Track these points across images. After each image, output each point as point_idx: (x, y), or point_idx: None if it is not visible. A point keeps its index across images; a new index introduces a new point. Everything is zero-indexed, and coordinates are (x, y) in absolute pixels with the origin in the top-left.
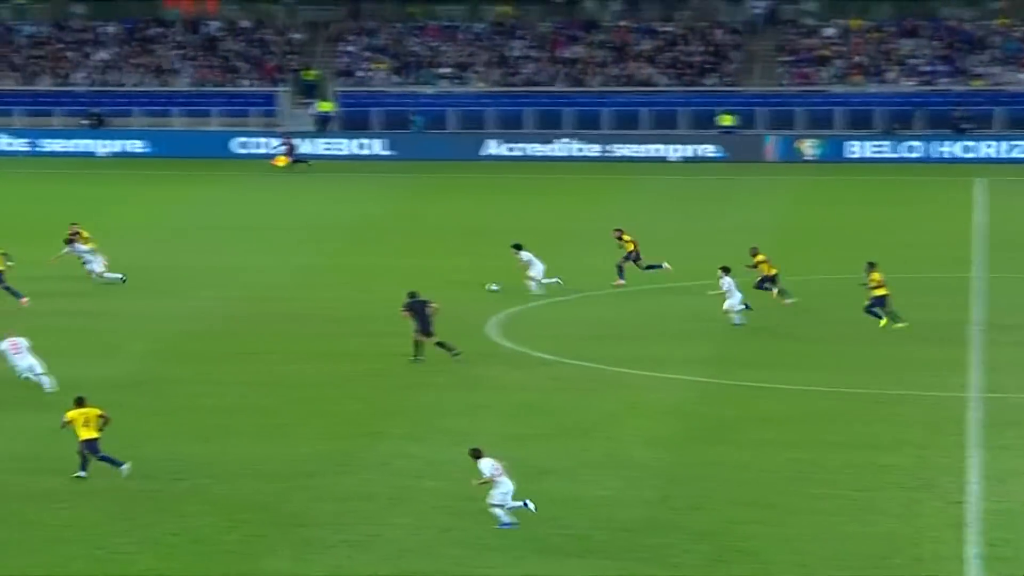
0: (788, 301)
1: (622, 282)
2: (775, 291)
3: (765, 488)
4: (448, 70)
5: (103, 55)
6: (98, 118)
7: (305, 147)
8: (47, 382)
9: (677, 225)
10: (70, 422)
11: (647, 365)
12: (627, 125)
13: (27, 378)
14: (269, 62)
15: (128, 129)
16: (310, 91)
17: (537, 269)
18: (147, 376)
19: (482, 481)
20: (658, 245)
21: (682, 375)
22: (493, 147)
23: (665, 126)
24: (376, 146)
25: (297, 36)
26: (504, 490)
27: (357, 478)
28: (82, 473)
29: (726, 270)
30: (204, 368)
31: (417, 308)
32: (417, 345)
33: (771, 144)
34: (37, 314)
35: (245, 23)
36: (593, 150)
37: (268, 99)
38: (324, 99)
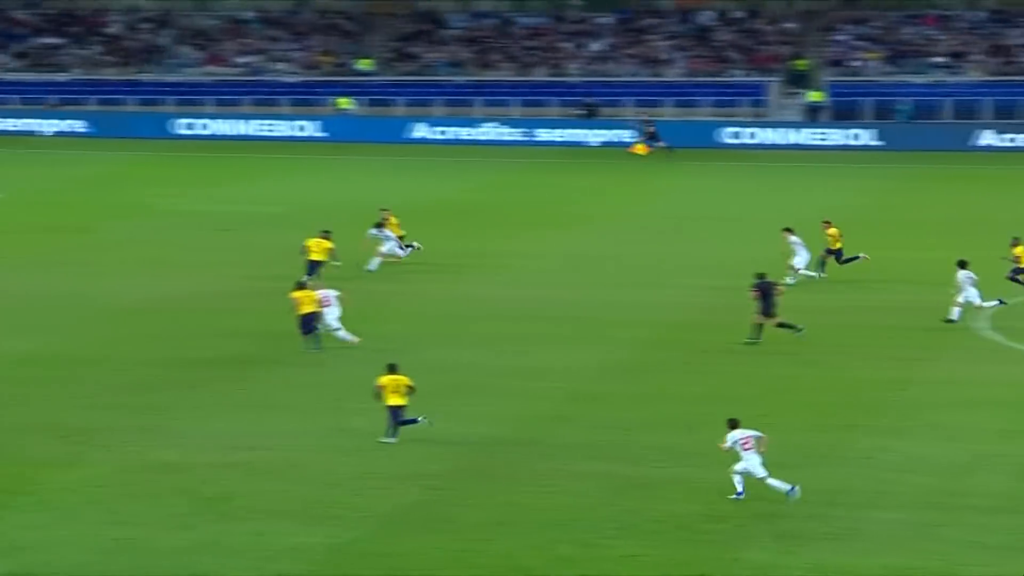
0: None
1: (822, 276)
2: None
3: None
4: (942, 59)
5: (597, 46)
6: (590, 108)
7: (794, 137)
8: (344, 336)
9: None
10: (383, 388)
11: None
12: None
13: (334, 331)
14: (760, 52)
15: (619, 119)
16: (800, 81)
17: (802, 258)
18: (634, 363)
19: (726, 447)
20: None
21: None
22: (988, 137)
23: None
24: (865, 136)
25: (790, 26)
26: (748, 464)
27: (838, 471)
28: (391, 439)
29: (962, 264)
30: (689, 357)
31: (765, 290)
32: (758, 327)
33: None
34: (533, 301)
35: (738, 13)
36: None
37: (757, 89)
38: (814, 89)
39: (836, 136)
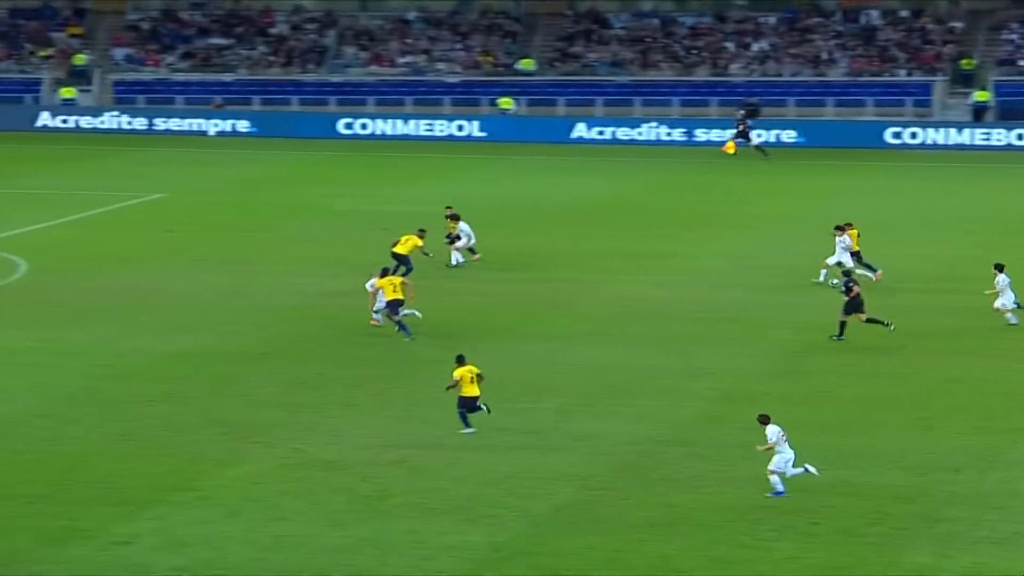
0: None
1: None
2: None
3: None
4: None
5: (761, 45)
6: (751, 108)
7: (958, 137)
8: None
9: None
10: (459, 380)
11: None
12: None
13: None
14: (927, 52)
15: (781, 119)
16: (967, 81)
17: (836, 259)
18: (791, 364)
19: (766, 447)
20: None
21: None
22: None
23: None
24: None
25: (957, 25)
26: (786, 458)
27: (1001, 474)
28: (470, 430)
29: (1000, 267)
30: (846, 359)
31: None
32: (872, 320)
33: None
34: (691, 301)
35: (903, 12)
36: None
37: (923, 89)
38: (980, 89)
39: (1001, 136)
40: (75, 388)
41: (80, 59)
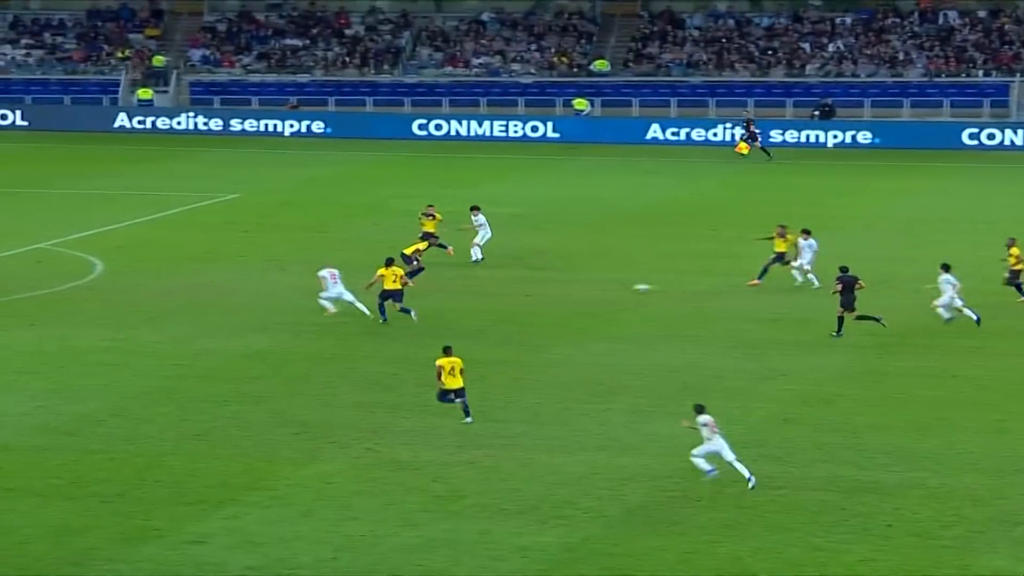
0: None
1: (757, 282)
2: None
3: None
4: None
5: (837, 46)
6: (829, 109)
7: None
8: (357, 306)
9: None
10: (441, 368)
11: None
12: None
13: (339, 300)
14: (1004, 52)
15: (857, 120)
16: None
17: (806, 259)
18: (866, 366)
19: (689, 425)
20: None
21: None
22: None
23: None
24: None
25: None
26: (711, 448)
27: None
28: (462, 405)
29: (945, 267)
30: (921, 361)
31: (847, 283)
32: (840, 320)
33: None
34: (765, 303)
35: (981, 12)
36: None
37: (1001, 90)
38: None
39: None
40: (150, 387)
41: (159, 60)
